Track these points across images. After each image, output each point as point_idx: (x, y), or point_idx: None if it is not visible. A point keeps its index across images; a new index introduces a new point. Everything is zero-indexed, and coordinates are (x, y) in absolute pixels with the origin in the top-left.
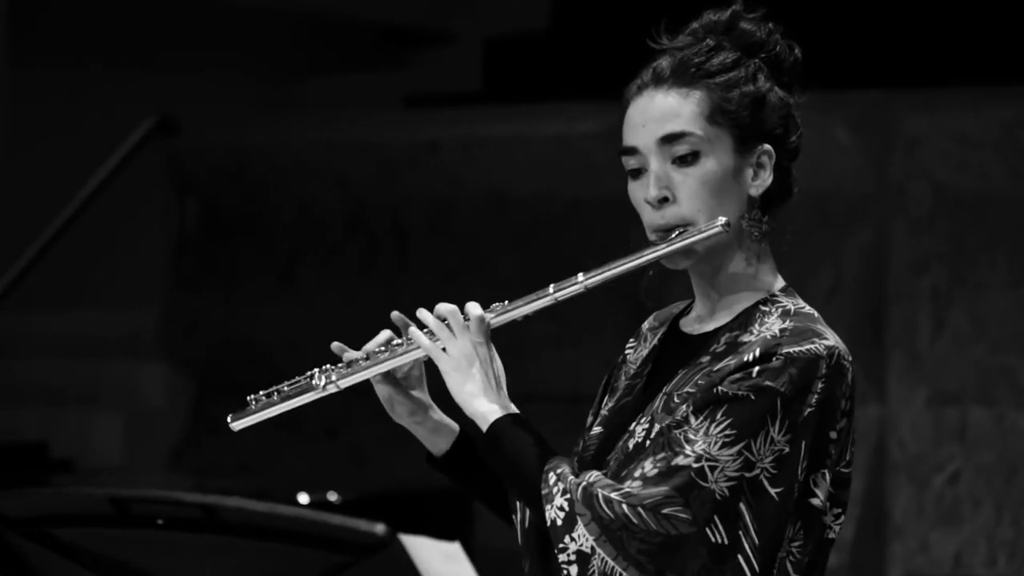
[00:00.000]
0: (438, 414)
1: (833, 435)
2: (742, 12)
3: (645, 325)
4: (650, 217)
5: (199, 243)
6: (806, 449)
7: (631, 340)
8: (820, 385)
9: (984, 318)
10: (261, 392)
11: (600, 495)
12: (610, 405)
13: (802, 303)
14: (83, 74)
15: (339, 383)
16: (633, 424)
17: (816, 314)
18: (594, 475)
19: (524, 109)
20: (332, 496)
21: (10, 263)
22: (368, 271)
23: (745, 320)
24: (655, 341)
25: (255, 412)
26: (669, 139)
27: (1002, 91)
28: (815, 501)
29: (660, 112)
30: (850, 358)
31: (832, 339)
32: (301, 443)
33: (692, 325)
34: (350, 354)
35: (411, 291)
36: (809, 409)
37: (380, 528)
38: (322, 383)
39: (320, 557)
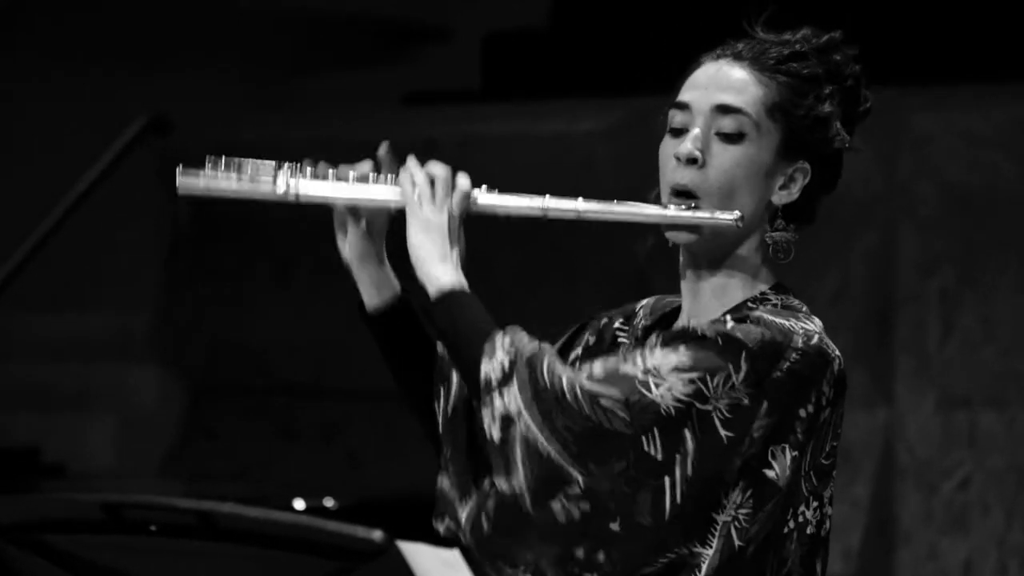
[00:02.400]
0: (387, 269)
1: (803, 413)
2: (840, 42)
3: (640, 318)
4: (672, 174)
5: (192, 244)
6: (767, 409)
7: (621, 318)
8: (794, 355)
9: (994, 320)
10: (223, 159)
11: (546, 362)
12: None
13: (793, 300)
14: (75, 72)
15: (300, 196)
16: None
17: (804, 308)
18: (550, 347)
19: (523, 107)
20: (328, 502)
21: (0, 264)
22: None
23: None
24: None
25: (204, 188)
26: (723, 109)
27: (1012, 88)
28: (770, 473)
29: (727, 81)
30: (837, 352)
31: (813, 327)
32: (297, 448)
33: (683, 323)
34: (325, 170)
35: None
36: (778, 373)
37: (378, 534)
38: (282, 189)
39: (316, 564)
